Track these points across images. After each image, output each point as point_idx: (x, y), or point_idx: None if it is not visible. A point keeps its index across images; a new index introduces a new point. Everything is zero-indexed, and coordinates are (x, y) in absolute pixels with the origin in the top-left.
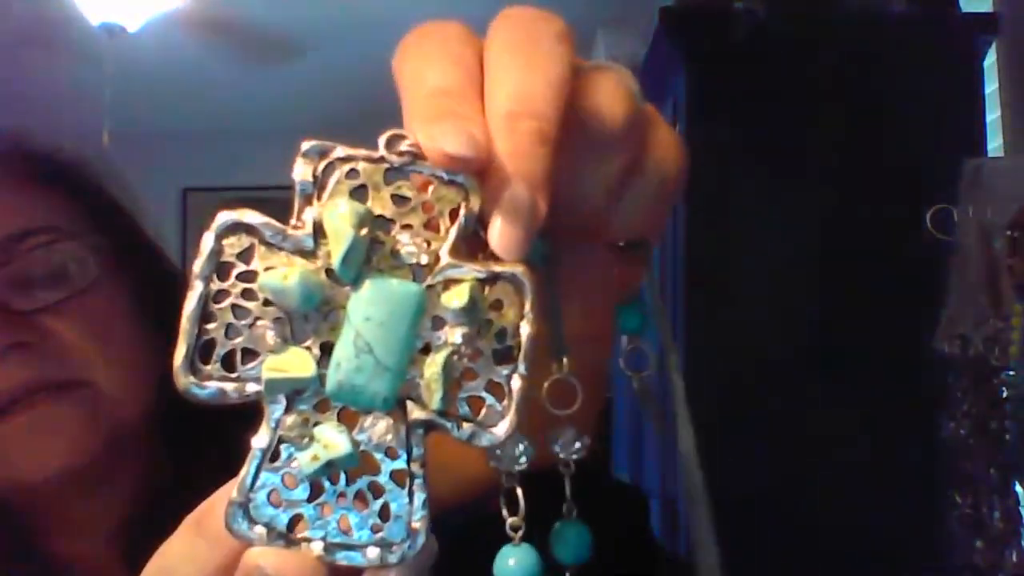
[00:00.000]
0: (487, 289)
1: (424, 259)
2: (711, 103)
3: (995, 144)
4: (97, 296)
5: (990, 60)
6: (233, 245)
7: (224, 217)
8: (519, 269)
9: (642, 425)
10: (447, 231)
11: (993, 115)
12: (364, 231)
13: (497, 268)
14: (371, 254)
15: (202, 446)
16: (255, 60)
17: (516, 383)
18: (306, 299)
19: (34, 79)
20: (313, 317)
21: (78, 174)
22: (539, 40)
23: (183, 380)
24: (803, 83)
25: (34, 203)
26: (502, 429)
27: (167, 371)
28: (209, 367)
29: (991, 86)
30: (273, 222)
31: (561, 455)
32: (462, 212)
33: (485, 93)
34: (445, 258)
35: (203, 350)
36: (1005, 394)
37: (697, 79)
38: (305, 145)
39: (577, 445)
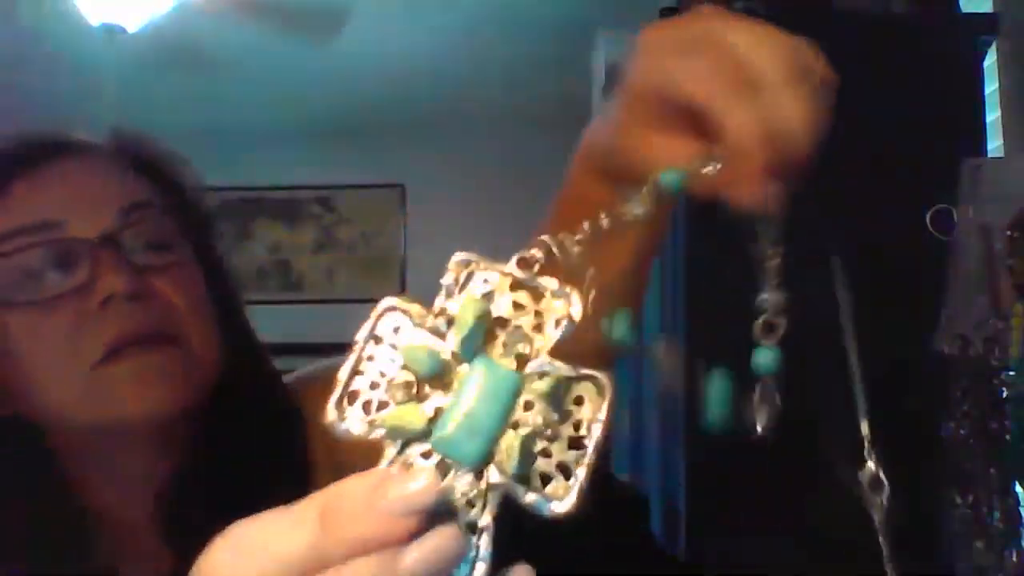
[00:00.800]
0: (573, 385)
1: (527, 352)
2: None
3: (995, 144)
4: (187, 267)
5: (990, 60)
6: (386, 323)
7: (385, 302)
8: (602, 375)
9: (642, 425)
10: (550, 335)
11: (993, 115)
12: (481, 322)
13: (584, 371)
14: (487, 343)
15: (250, 426)
16: (254, 61)
17: (581, 470)
18: (430, 368)
19: (34, 80)
20: (435, 384)
21: (161, 166)
22: (800, 78)
23: (330, 415)
24: None
25: (136, 184)
26: (563, 507)
27: (225, 353)
28: (351, 409)
29: (991, 86)
30: (420, 309)
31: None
32: (565, 320)
33: (761, 122)
34: (543, 355)
35: (350, 397)
36: (1005, 394)
37: None
38: (455, 256)
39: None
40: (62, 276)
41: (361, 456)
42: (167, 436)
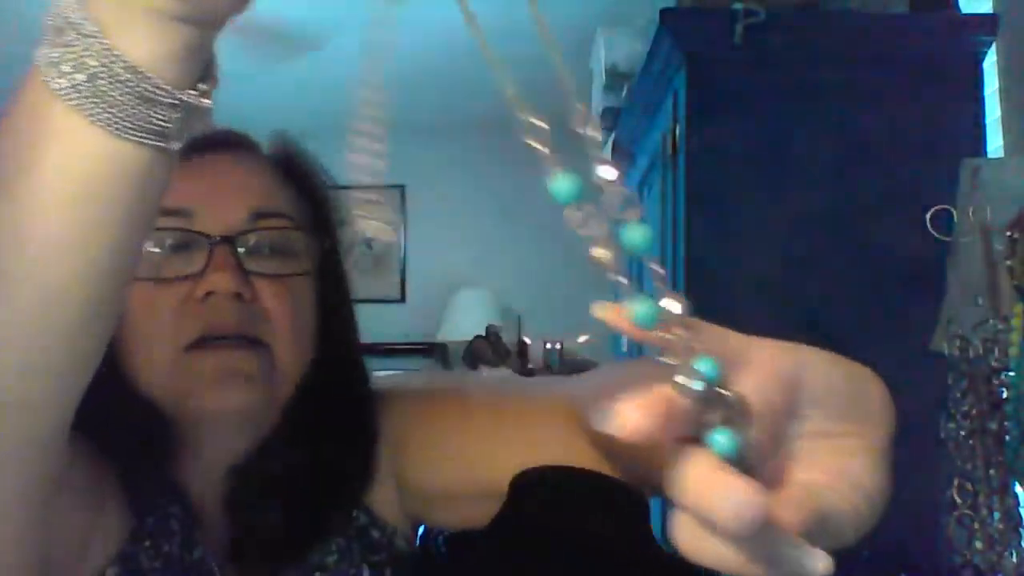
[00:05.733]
0: None
1: None
2: (712, 103)
3: (995, 144)
4: (301, 282)
5: (990, 60)
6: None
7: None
8: None
9: None
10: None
11: (993, 115)
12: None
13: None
14: None
15: (325, 430)
16: (254, 60)
17: None
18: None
19: None
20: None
21: (306, 175)
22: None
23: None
24: (803, 83)
25: (276, 191)
26: None
27: (317, 358)
28: None
29: (991, 86)
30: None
31: None
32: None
33: None
34: None
35: None
36: (1005, 394)
37: (697, 79)
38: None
39: None
40: (181, 261)
41: (412, 467)
42: (245, 426)
